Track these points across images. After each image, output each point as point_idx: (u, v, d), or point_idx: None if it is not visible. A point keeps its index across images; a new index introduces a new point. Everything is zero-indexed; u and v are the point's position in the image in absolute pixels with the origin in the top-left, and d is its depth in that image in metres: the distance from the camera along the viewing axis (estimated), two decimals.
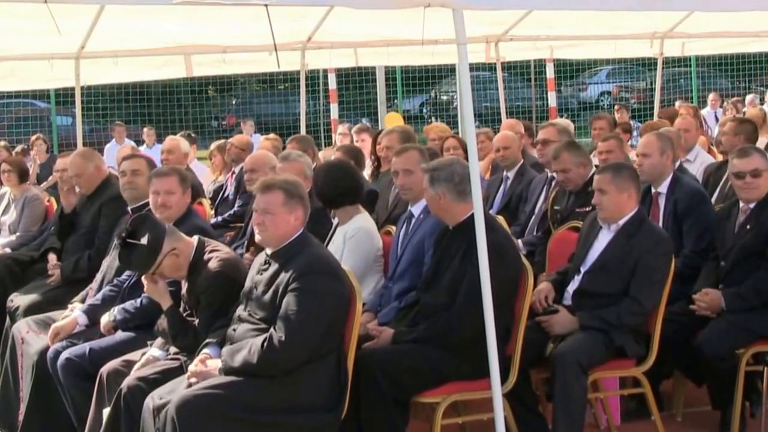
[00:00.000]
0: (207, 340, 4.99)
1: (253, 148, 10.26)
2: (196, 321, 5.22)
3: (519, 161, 8.18)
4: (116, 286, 6.03)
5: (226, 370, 4.74)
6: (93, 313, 5.93)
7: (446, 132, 10.03)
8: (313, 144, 9.39)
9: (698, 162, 8.42)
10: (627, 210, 5.63)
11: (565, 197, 6.99)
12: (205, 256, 5.27)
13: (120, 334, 5.73)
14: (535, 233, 7.28)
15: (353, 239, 5.98)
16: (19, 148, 16.02)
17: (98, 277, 6.47)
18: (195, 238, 5.38)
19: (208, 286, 5.16)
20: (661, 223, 6.28)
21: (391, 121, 12.00)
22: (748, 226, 5.83)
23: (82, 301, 6.29)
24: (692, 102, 21.28)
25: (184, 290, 5.34)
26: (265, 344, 4.64)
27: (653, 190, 6.45)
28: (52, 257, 7.56)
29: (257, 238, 5.03)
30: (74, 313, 5.99)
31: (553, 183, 7.45)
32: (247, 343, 4.74)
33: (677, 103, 16.81)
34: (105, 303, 5.94)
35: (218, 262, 5.21)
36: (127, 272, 6.00)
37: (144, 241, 5.19)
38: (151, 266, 5.23)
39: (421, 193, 5.93)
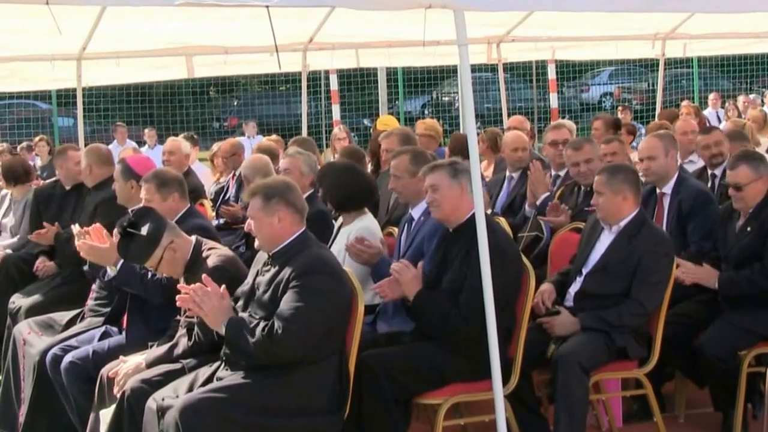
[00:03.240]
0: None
1: (243, 147, 10.28)
2: (196, 320, 5.21)
3: (525, 162, 8.12)
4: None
5: (230, 323, 4.70)
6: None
7: (434, 129, 9.98)
8: (315, 146, 9.38)
9: (701, 162, 8.40)
10: (624, 212, 5.63)
11: (574, 195, 6.99)
12: (203, 254, 5.29)
13: (121, 337, 5.72)
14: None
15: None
16: (24, 144, 16.01)
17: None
18: (193, 237, 5.40)
19: None
20: (665, 224, 6.28)
21: (386, 121, 11.92)
22: (748, 228, 5.84)
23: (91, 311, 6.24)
24: (694, 103, 21.25)
25: None
26: (266, 331, 4.62)
27: (657, 191, 6.46)
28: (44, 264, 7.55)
29: (256, 243, 5.07)
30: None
31: (558, 182, 7.45)
32: (255, 321, 4.72)
33: (684, 103, 16.76)
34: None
35: (217, 257, 5.23)
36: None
37: (144, 231, 5.20)
38: (147, 257, 5.25)
39: (413, 196, 5.97)
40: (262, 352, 4.65)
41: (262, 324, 4.67)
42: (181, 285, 4.87)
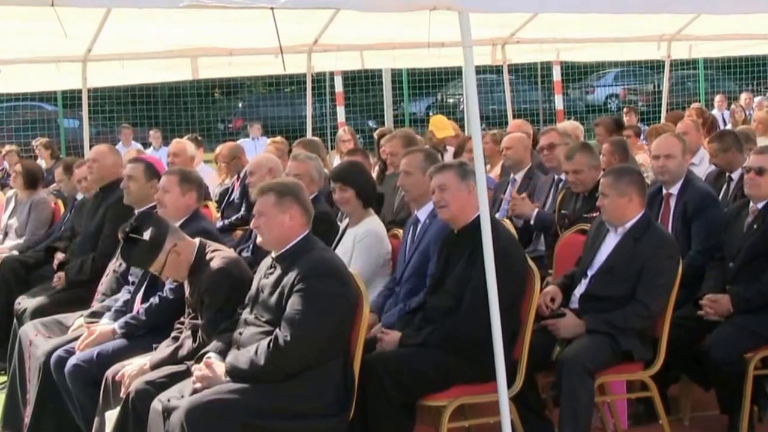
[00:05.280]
0: (207, 347, 4.99)
1: (243, 149, 10.27)
2: (200, 322, 5.22)
3: (525, 163, 8.11)
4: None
5: (232, 373, 4.73)
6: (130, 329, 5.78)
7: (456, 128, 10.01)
8: (323, 147, 9.37)
9: (703, 166, 8.41)
10: (629, 214, 5.62)
11: (573, 201, 6.98)
12: (207, 257, 5.29)
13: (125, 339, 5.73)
14: (541, 239, 7.27)
15: (363, 242, 6.01)
16: (12, 148, 15.87)
17: (104, 279, 6.49)
18: (196, 240, 5.39)
19: (211, 283, 5.17)
20: (670, 224, 6.29)
21: (439, 124, 11.76)
22: (755, 226, 5.84)
23: (92, 314, 6.24)
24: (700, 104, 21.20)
25: (187, 293, 5.34)
26: (271, 345, 4.64)
27: (664, 191, 6.47)
28: (59, 255, 7.57)
29: (258, 240, 5.07)
30: (110, 325, 5.81)
31: (560, 185, 7.44)
32: (253, 346, 4.74)
33: (695, 105, 16.72)
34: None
35: (221, 260, 5.24)
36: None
37: (146, 236, 5.19)
38: (151, 262, 5.25)
39: (421, 196, 5.96)
40: (272, 368, 4.66)
41: (264, 343, 4.68)
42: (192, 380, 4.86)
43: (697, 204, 6.28)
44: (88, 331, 5.75)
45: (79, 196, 8.22)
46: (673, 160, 6.46)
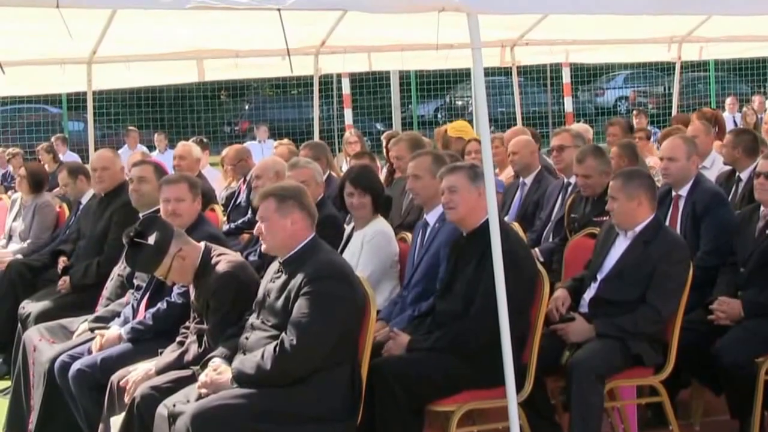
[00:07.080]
0: (213, 353, 4.96)
1: (250, 152, 10.24)
2: (206, 327, 5.18)
3: (534, 167, 8.07)
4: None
5: (239, 379, 4.69)
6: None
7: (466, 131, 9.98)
8: (328, 151, 9.33)
9: (715, 168, 8.36)
10: (639, 217, 5.58)
11: (582, 205, 6.94)
12: (212, 261, 5.26)
13: (129, 344, 5.69)
14: (550, 240, 7.21)
15: (372, 242, 6.00)
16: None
17: (108, 284, 6.45)
18: (202, 244, 5.36)
19: (217, 287, 5.15)
20: (679, 225, 6.26)
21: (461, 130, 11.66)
22: (767, 232, 5.80)
23: (96, 319, 6.20)
24: (711, 107, 21.12)
25: (192, 297, 5.31)
26: (278, 349, 4.62)
27: (674, 193, 6.44)
28: (62, 260, 7.55)
29: (263, 247, 5.04)
30: (118, 330, 5.81)
31: (570, 189, 7.38)
32: (259, 351, 4.70)
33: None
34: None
35: (227, 264, 5.21)
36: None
37: (151, 241, 5.16)
38: (156, 266, 5.23)
39: (430, 199, 5.92)
40: (279, 372, 4.64)
41: (270, 347, 4.65)
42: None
43: (706, 204, 6.27)
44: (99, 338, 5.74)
45: (84, 200, 8.18)
46: (676, 163, 6.42)
